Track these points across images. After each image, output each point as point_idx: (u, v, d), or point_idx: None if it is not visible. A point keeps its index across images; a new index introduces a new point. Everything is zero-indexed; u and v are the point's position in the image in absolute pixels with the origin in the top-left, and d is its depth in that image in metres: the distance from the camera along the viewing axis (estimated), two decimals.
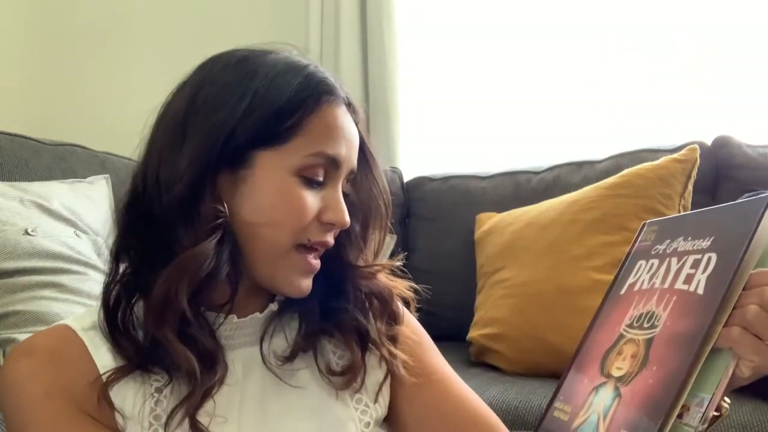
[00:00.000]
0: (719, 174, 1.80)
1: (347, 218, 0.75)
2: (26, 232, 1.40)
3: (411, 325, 0.85)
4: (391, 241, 2.01)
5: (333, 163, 0.74)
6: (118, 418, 0.71)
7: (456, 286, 1.96)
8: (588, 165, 1.93)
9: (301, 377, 0.77)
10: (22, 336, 1.27)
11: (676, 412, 0.56)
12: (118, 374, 0.71)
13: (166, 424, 0.69)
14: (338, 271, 0.80)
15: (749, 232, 0.59)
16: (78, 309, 1.33)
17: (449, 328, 1.82)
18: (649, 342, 0.62)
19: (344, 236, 0.79)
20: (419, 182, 2.20)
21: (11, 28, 2.45)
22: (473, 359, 1.74)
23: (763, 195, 0.61)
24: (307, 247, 0.75)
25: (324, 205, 0.74)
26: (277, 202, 0.72)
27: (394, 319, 0.82)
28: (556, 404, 0.70)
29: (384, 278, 0.82)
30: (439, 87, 2.36)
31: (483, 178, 2.09)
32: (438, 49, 2.35)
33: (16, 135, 1.66)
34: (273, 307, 0.79)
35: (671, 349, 0.59)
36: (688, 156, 1.65)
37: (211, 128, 0.71)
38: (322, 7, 2.40)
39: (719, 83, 2.01)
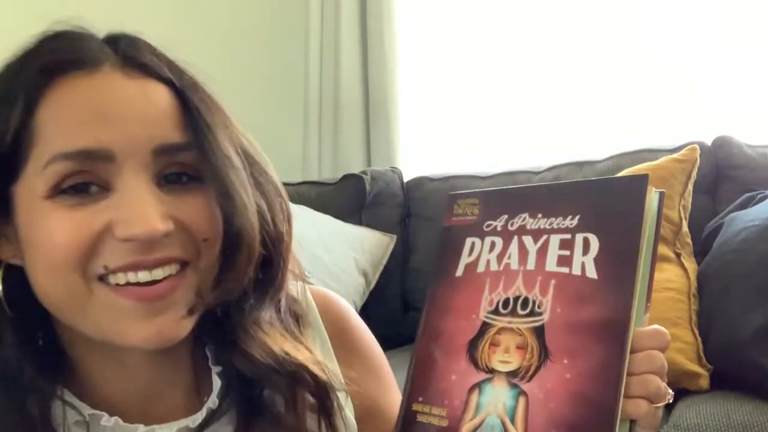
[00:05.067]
0: (719, 174, 1.80)
1: (142, 227, 0.51)
2: None
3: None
4: (390, 241, 2.01)
5: (92, 159, 0.52)
6: None
7: None
8: (588, 165, 1.92)
9: None
10: None
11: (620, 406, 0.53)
12: None
13: None
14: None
15: (635, 213, 0.56)
16: None
17: None
18: (538, 331, 0.57)
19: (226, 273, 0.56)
20: (419, 182, 2.20)
21: (11, 28, 2.45)
22: None
23: (638, 175, 0.58)
24: (111, 282, 0.53)
25: (114, 217, 0.52)
26: (37, 242, 0.52)
27: (327, 409, 0.61)
28: (416, 407, 0.62)
29: (295, 351, 0.60)
30: (438, 87, 2.35)
31: (483, 178, 2.09)
32: (438, 50, 2.35)
33: None
34: (199, 416, 0.60)
35: (583, 339, 0.55)
36: (688, 156, 1.65)
37: None
38: (322, 8, 2.40)
39: (719, 83, 2.00)
